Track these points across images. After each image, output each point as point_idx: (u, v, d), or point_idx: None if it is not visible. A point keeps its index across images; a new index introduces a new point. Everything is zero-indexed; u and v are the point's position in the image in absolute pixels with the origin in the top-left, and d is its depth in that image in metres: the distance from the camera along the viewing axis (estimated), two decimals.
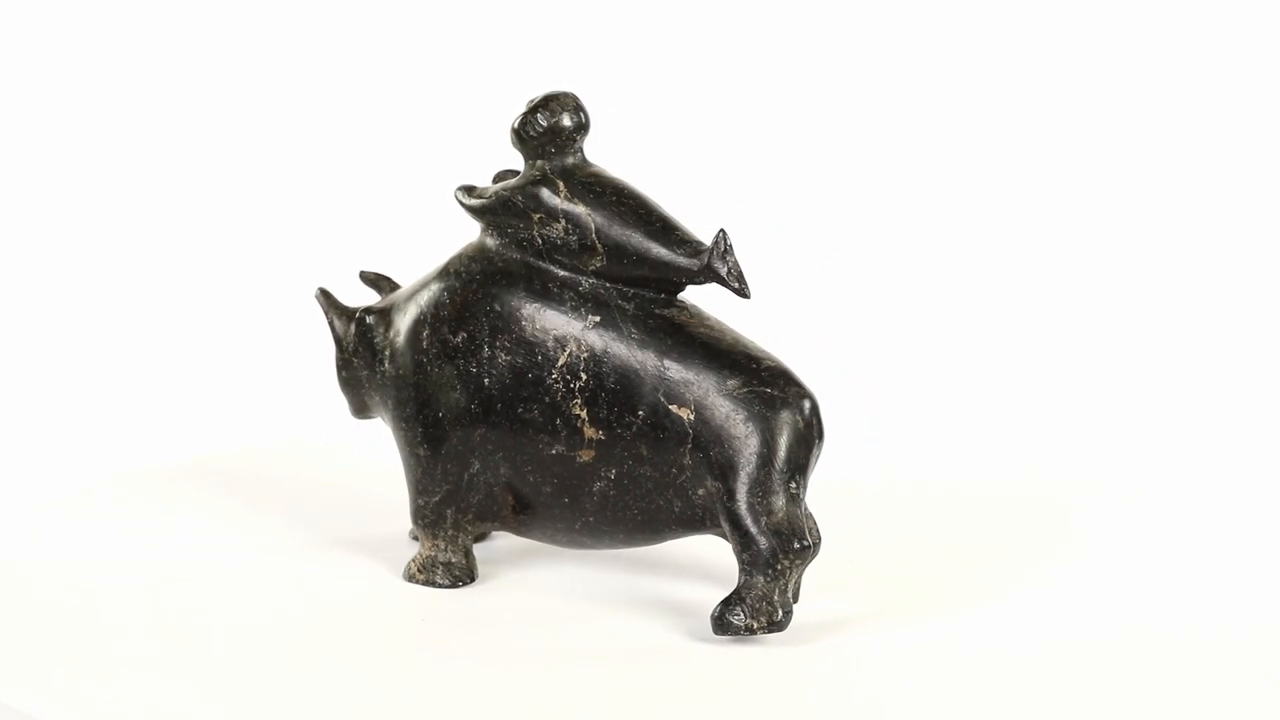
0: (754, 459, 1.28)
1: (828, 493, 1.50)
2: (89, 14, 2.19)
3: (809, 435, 1.29)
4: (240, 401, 1.98)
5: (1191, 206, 2.16)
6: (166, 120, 2.19)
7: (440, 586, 1.39)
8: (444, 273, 1.38)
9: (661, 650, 1.28)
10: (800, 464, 1.29)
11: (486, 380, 1.35)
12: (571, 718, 1.18)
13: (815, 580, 1.37)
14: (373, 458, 1.61)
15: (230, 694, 1.22)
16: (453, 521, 1.38)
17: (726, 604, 1.28)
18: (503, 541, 1.48)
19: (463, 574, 1.40)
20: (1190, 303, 2.09)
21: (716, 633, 1.29)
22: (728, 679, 1.24)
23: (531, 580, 1.41)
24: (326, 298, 1.44)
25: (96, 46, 2.18)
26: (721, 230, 1.30)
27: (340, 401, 1.51)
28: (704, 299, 1.36)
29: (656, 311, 1.32)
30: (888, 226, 2.17)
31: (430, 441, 1.37)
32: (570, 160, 1.35)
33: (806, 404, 1.29)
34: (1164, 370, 1.99)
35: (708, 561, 1.42)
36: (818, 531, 1.31)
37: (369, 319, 1.41)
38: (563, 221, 1.34)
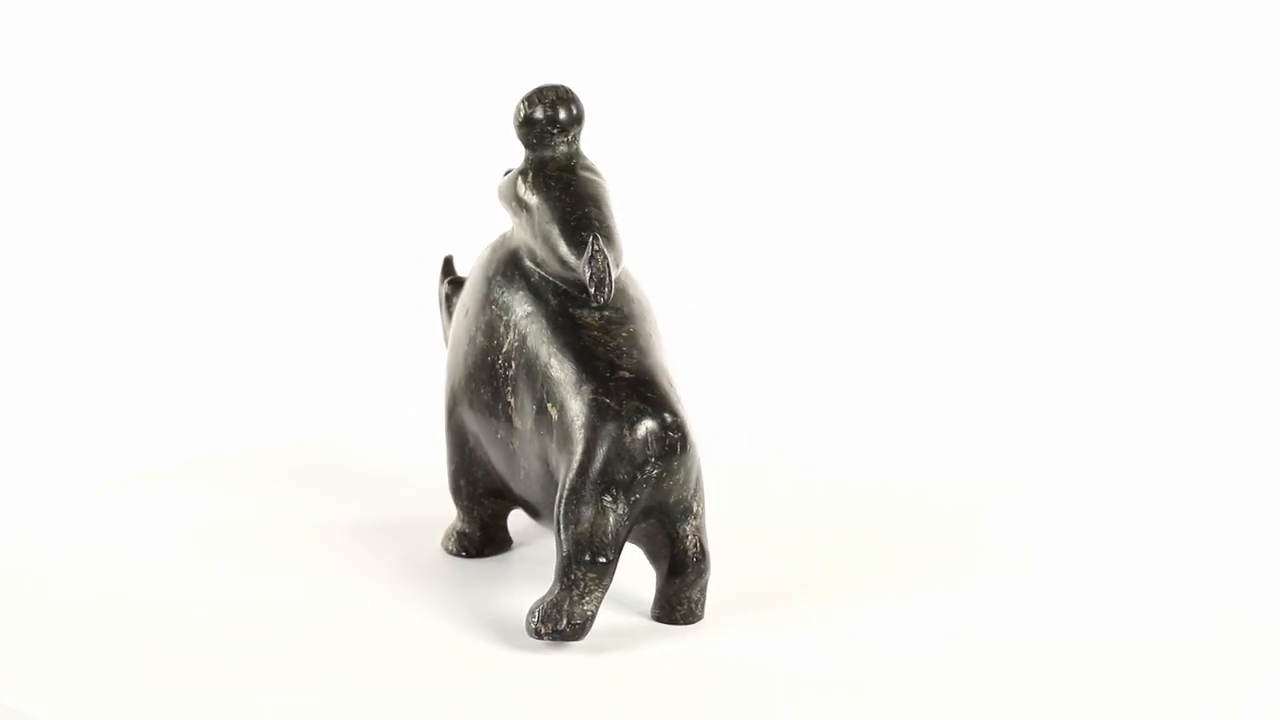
0: (577, 466, 1.28)
1: (739, 491, 1.52)
2: (92, 12, 2.19)
3: (637, 452, 1.27)
4: (253, 398, 1.98)
5: (1110, 205, 2.16)
6: (189, 119, 2.19)
7: (461, 555, 1.43)
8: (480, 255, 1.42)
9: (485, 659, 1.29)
10: (621, 480, 1.27)
11: (469, 360, 1.39)
12: None
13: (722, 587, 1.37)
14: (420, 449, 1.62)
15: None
16: (466, 493, 1.42)
17: (536, 605, 1.29)
18: None
19: (471, 546, 1.42)
20: (1105, 298, 2.09)
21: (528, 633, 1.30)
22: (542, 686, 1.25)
23: (543, 560, 1.42)
24: (445, 265, 1.48)
25: (98, 43, 2.18)
26: (593, 234, 1.30)
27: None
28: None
29: (569, 309, 1.33)
30: (836, 225, 2.17)
31: (447, 413, 1.42)
32: (556, 152, 1.35)
33: (644, 421, 1.27)
34: (1080, 367, 1.99)
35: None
36: (702, 550, 1.30)
37: (448, 290, 1.46)
38: (525, 213, 1.35)
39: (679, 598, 1.32)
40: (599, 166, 1.36)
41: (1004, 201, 2.18)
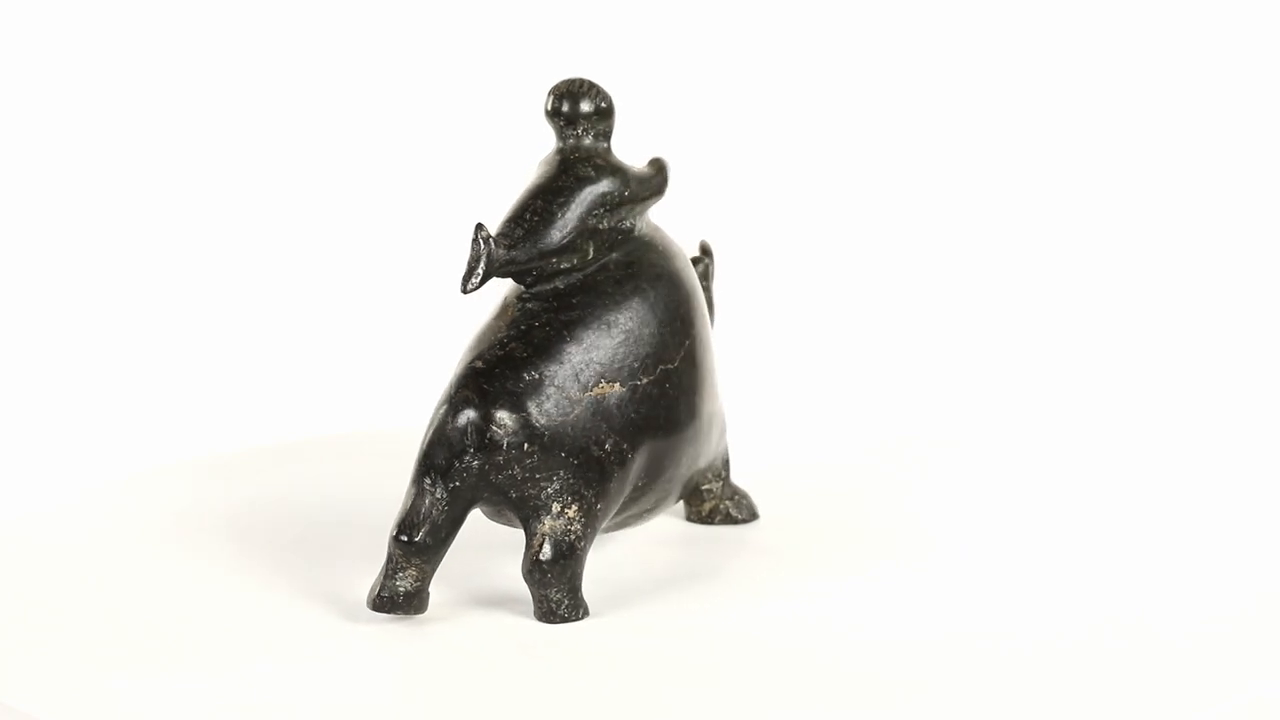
0: (418, 448, 1.30)
1: None
2: (102, 13, 2.19)
3: (455, 440, 1.28)
4: (256, 398, 1.99)
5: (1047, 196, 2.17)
6: (199, 120, 2.20)
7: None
8: None
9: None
10: (438, 465, 1.28)
11: None
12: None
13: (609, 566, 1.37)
14: None
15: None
16: None
17: None
18: None
19: None
20: (1106, 299, 2.10)
21: None
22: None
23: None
24: (701, 248, 1.48)
25: (101, 45, 2.19)
26: (477, 224, 1.30)
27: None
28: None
29: (509, 297, 1.34)
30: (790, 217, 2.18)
31: None
32: (569, 143, 1.36)
33: (465, 411, 1.28)
34: (1009, 357, 2.00)
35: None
36: (556, 554, 1.29)
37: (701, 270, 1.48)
38: None
39: (536, 595, 1.31)
40: (626, 162, 1.37)
41: (992, 205, 2.18)
